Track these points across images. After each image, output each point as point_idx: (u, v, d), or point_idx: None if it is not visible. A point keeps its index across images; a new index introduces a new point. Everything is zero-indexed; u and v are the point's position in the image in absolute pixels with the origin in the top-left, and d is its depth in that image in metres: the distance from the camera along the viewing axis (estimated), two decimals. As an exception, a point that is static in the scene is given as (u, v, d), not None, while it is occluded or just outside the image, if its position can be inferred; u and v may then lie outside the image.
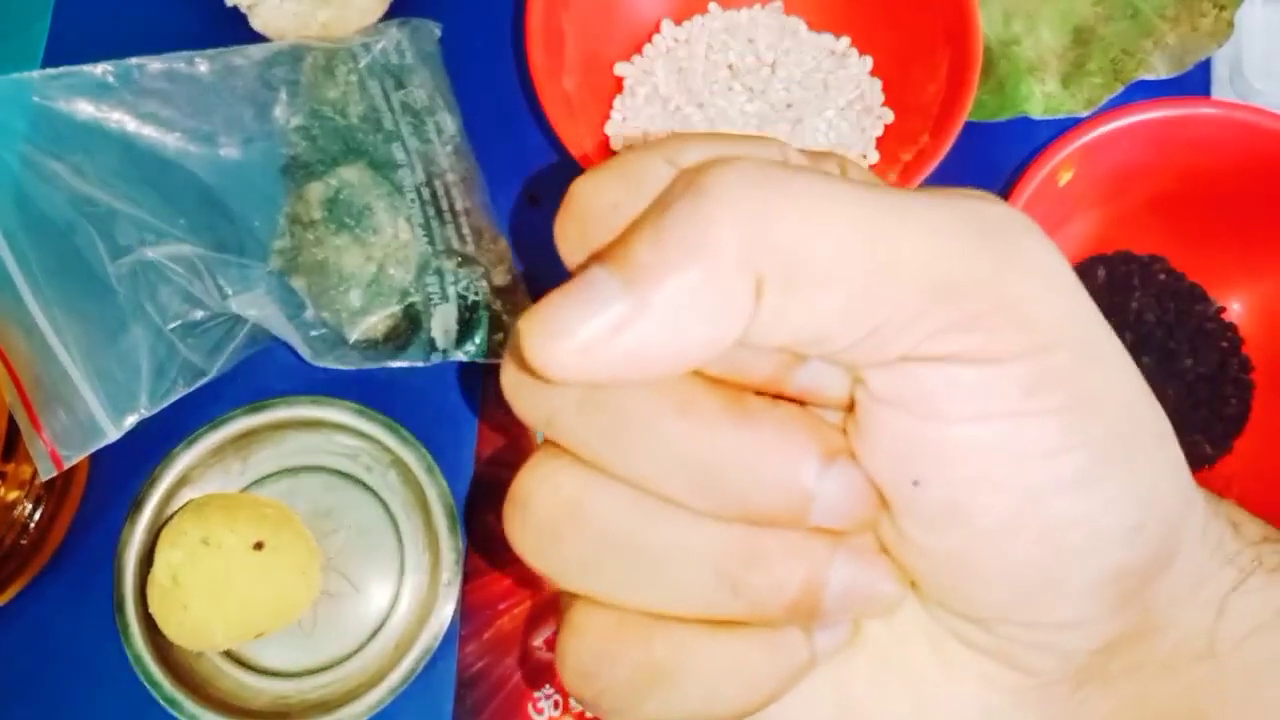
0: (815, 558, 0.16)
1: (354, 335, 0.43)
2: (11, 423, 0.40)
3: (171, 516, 0.41)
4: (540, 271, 0.47)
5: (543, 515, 0.16)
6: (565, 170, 0.48)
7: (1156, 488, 0.16)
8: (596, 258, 0.15)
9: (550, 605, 0.43)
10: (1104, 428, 0.15)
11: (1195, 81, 0.49)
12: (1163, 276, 0.46)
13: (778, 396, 0.17)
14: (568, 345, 0.14)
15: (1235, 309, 0.46)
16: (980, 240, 0.15)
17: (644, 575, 0.16)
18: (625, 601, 0.16)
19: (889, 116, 0.47)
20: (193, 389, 0.42)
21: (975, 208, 0.15)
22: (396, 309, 0.44)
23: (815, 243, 0.14)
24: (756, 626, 0.16)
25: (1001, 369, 0.15)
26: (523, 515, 0.17)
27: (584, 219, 0.16)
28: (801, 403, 0.17)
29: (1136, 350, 0.45)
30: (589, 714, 0.42)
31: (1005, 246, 0.15)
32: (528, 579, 0.43)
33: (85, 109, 0.43)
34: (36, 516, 0.42)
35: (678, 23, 0.48)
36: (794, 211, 0.14)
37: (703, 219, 0.14)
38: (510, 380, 0.17)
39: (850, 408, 0.16)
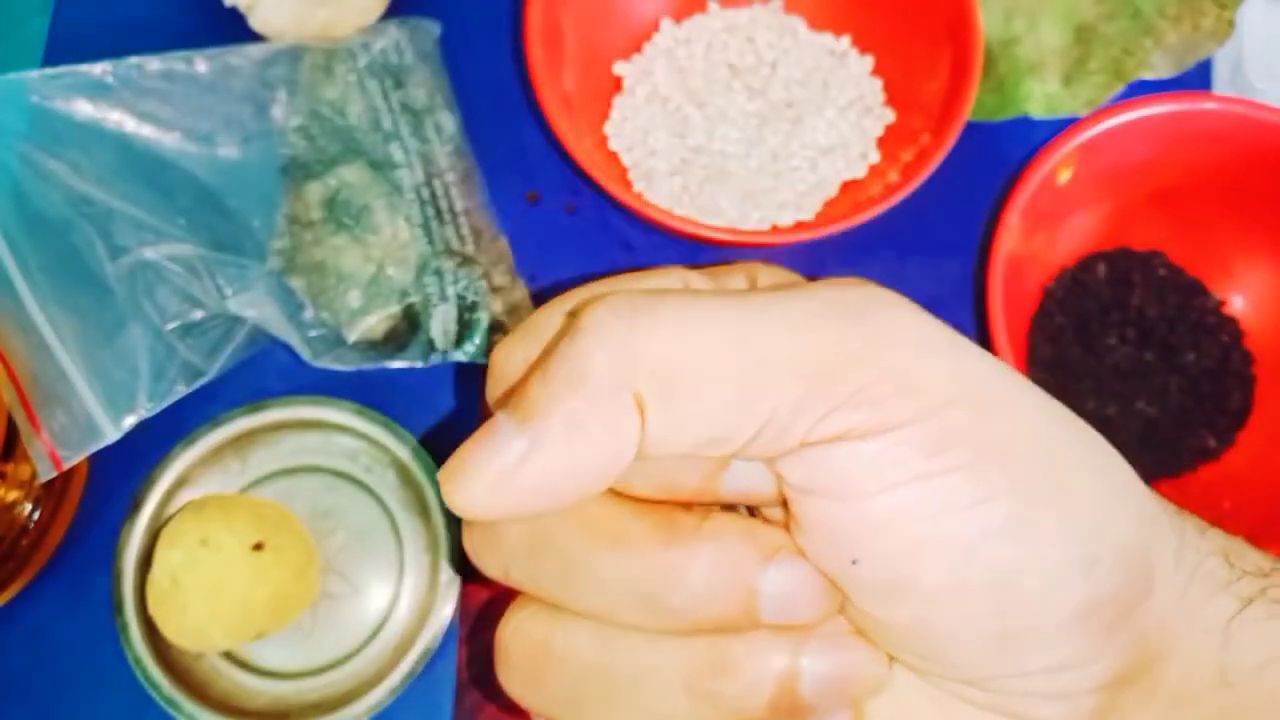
0: (781, 653, 0.17)
1: (353, 336, 0.43)
2: (10, 423, 0.40)
3: (170, 517, 0.41)
4: (540, 271, 0.47)
5: (521, 662, 0.18)
6: (565, 170, 0.48)
7: (1103, 518, 0.16)
8: (497, 405, 0.17)
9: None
10: (1023, 471, 0.16)
11: (1196, 81, 0.49)
12: (1163, 272, 0.46)
13: (717, 505, 0.18)
14: (478, 485, 0.16)
15: (1236, 303, 0.46)
16: (846, 321, 0.16)
17: (622, 702, 0.17)
18: None
19: (889, 116, 0.47)
20: (192, 389, 0.42)
21: (836, 294, 0.16)
22: (395, 309, 0.44)
23: (683, 355, 0.16)
24: None
25: (897, 436, 0.15)
26: (506, 665, 0.18)
27: (502, 380, 0.18)
28: (748, 508, 0.18)
29: (1139, 346, 0.45)
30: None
31: (872, 322, 0.16)
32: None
33: (84, 108, 0.43)
34: (35, 517, 0.42)
35: (677, 22, 0.48)
36: (658, 331, 0.16)
37: (577, 353, 0.16)
38: (469, 544, 0.18)
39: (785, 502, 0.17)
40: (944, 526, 0.15)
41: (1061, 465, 0.16)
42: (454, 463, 0.16)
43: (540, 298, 0.46)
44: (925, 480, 0.15)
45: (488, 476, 0.16)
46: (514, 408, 0.16)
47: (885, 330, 0.16)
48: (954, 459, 0.15)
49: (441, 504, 0.42)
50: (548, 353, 0.17)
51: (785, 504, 0.17)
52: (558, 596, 0.17)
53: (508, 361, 0.18)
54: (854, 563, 0.16)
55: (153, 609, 0.39)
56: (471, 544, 0.18)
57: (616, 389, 0.16)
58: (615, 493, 0.18)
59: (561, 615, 0.18)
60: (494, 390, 0.19)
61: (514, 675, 0.18)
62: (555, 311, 0.18)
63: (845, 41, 0.47)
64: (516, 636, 0.18)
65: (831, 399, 0.15)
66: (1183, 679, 0.17)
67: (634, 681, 0.17)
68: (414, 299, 0.44)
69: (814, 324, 0.16)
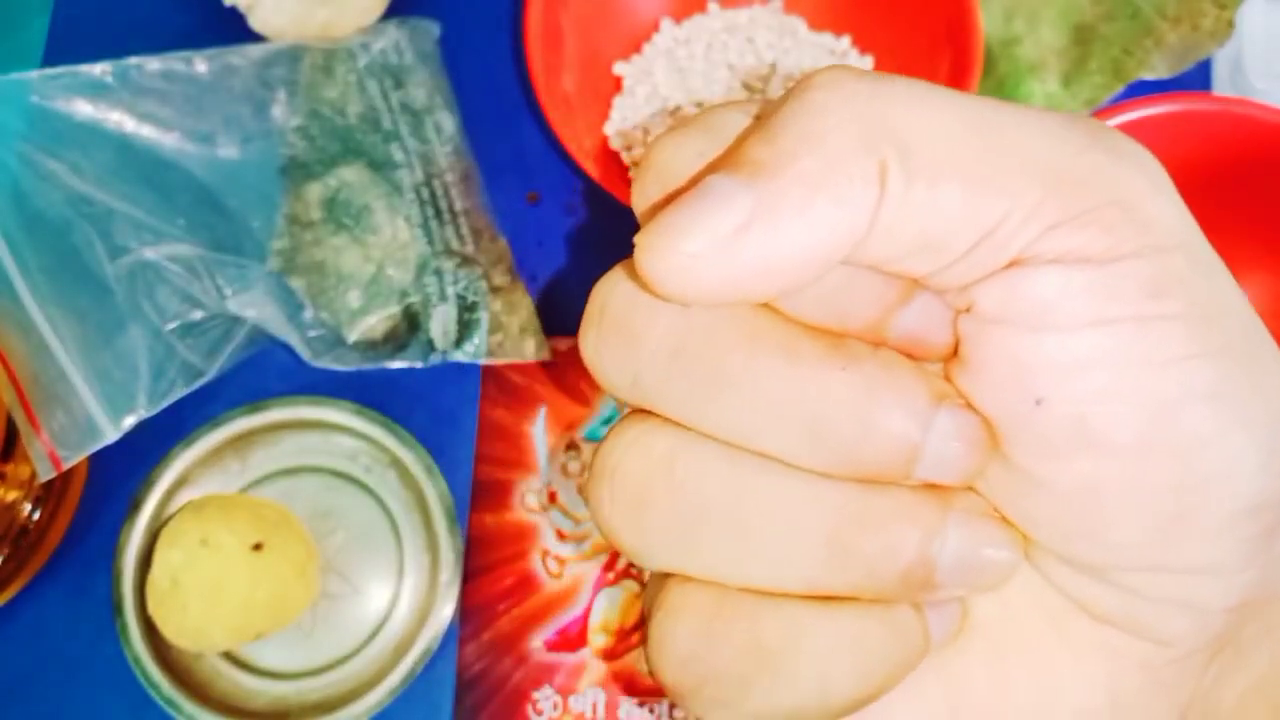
0: (928, 520, 0.15)
1: (352, 336, 0.43)
2: (10, 423, 0.40)
3: (170, 517, 0.41)
4: (540, 271, 0.47)
5: (633, 482, 0.15)
6: (565, 170, 0.48)
7: None
8: (706, 172, 0.14)
9: (548, 606, 0.42)
10: (1228, 339, 0.14)
11: (1195, 81, 0.49)
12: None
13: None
14: (689, 250, 0.14)
15: (1236, 307, 0.46)
16: (1090, 138, 0.14)
17: (746, 543, 0.15)
18: (725, 576, 0.15)
19: (889, 116, 0.46)
20: (191, 389, 0.42)
21: (1076, 114, 0.15)
22: (395, 309, 0.44)
23: (935, 129, 0.14)
24: (867, 601, 0.15)
25: (1119, 268, 0.14)
26: (610, 485, 0.15)
27: (668, 173, 0.15)
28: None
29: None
30: (685, 713, 0.41)
31: (1115, 146, 0.15)
32: (525, 579, 0.43)
33: (83, 109, 0.43)
34: (35, 517, 0.42)
35: (677, 22, 0.48)
36: (906, 100, 0.14)
37: (816, 110, 0.14)
38: (591, 344, 0.16)
39: (952, 354, 0.16)
40: (1147, 376, 0.14)
41: (1254, 342, 0.15)
42: (660, 224, 0.14)
43: (541, 298, 0.46)
44: (1140, 322, 0.14)
45: (702, 240, 0.13)
46: (735, 167, 0.14)
47: (1125, 156, 0.14)
48: (1171, 305, 0.14)
49: (441, 503, 0.42)
50: (762, 119, 0.14)
51: (953, 355, 0.16)
52: (697, 412, 0.15)
53: (676, 153, 0.15)
54: (1038, 403, 0.14)
55: (153, 609, 0.39)
56: (599, 343, 0.16)
57: (862, 150, 0.13)
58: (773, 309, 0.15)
59: (690, 434, 0.15)
60: (650, 191, 0.15)
61: (618, 497, 0.15)
62: (736, 111, 0.15)
63: (845, 41, 0.47)
64: (633, 449, 0.15)
65: (1067, 209, 0.14)
66: None
67: (766, 521, 0.15)
68: (414, 299, 0.44)
69: (1060, 130, 0.14)
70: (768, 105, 0.15)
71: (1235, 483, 0.14)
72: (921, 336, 0.16)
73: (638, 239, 0.14)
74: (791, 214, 0.13)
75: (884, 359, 0.15)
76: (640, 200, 0.16)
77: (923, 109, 0.14)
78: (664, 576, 0.16)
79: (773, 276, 0.14)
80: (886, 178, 0.14)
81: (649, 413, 0.16)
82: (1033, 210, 0.14)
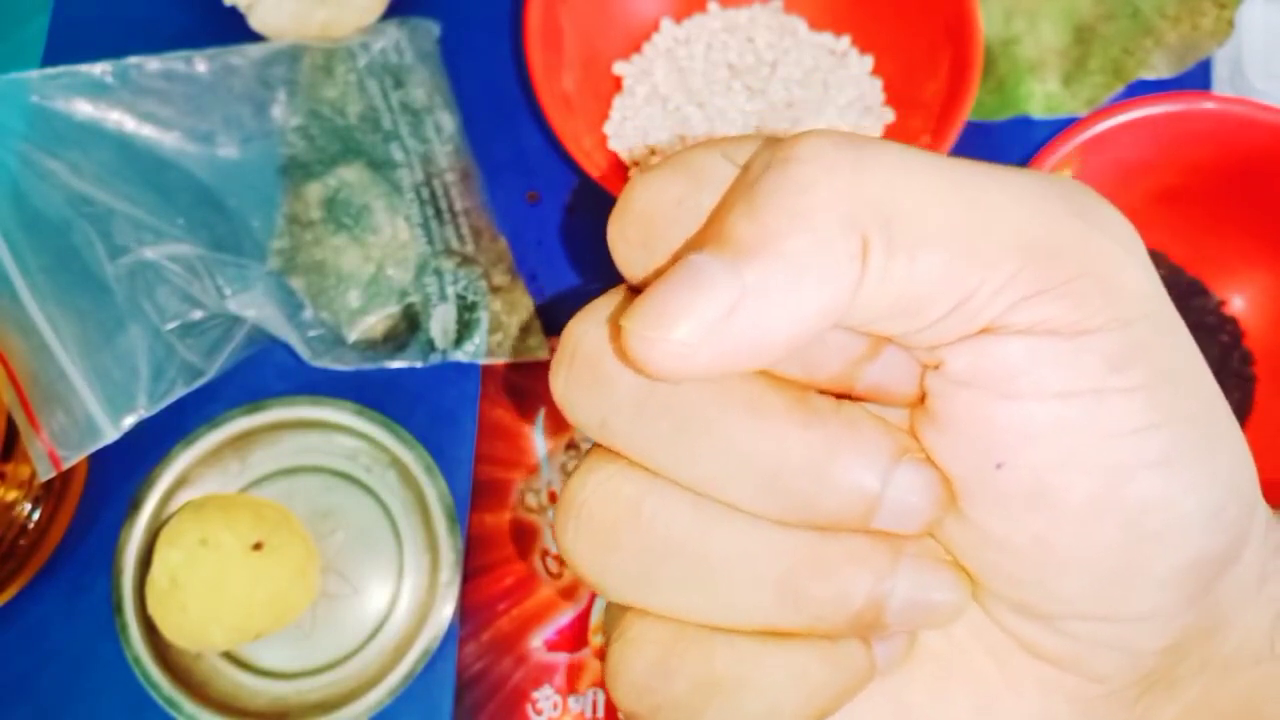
0: (879, 566, 0.16)
1: (352, 335, 0.43)
2: (10, 423, 0.40)
3: (170, 517, 0.41)
4: (540, 271, 0.47)
5: (600, 521, 0.16)
6: (564, 169, 0.48)
7: (1235, 470, 0.15)
8: (689, 247, 0.15)
9: (548, 606, 0.42)
10: (1185, 406, 0.15)
11: (1196, 81, 0.49)
12: (1162, 272, 0.45)
13: (844, 396, 0.16)
14: (679, 336, 0.14)
15: (1236, 303, 0.46)
16: (1067, 205, 0.15)
17: (704, 585, 0.16)
18: (683, 613, 0.16)
19: (889, 116, 0.46)
20: (191, 389, 0.42)
21: (1053, 177, 0.15)
22: (395, 309, 0.44)
23: (915, 200, 0.14)
24: (815, 638, 0.16)
25: (1086, 341, 0.14)
26: (577, 522, 0.16)
27: (646, 218, 0.15)
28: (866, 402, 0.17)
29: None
30: None
31: (1090, 213, 0.15)
32: (525, 579, 0.43)
33: (83, 108, 0.43)
34: (35, 517, 0.42)
35: (677, 21, 0.48)
36: (890, 170, 0.14)
37: (799, 184, 0.14)
38: (561, 384, 0.16)
39: (919, 402, 0.16)
40: (1104, 446, 0.14)
41: (1210, 408, 0.15)
42: (646, 308, 0.14)
43: (541, 298, 0.46)
44: (1102, 395, 0.14)
45: (691, 327, 0.14)
46: (717, 246, 0.14)
47: (1099, 223, 0.15)
48: (1133, 378, 0.14)
49: (441, 503, 0.42)
50: (741, 188, 0.14)
51: (919, 404, 0.16)
52: (662, 459, 0.15)
53: (655, 197, 0.15)
54: (998, 466, 0.15)
55: (152, 609, 0.39)
56: (569, 383, 0.16)
57: (846, 227, 0.14)
58: None
59: (656, 479, 0.16)
60: (630, 228, 0.16)
61: (586, 535, 0.16)
62: (713, 153, 0.15)
63: (845, 41, 0.47)
64: (601, 490, 0.16)
65: (1041, 282, 0.14)
66: (1236, 651, 0.16)
67: (725, 566, 0.15)
68: (414, 299, 0.44)
69: (1039, 198, 0.14)
70: (758, 155, 0.15)
71: (1180, 543, 0.15)
72: (887, 389, 0.16)
73: (624, 323, 0.14)
74: (779, 296, 0.14)
75: (847, 416, 0.15)
76: (616, 241, 0.16)
77: (904, 179, 0.14)
78: (623, 606, 0.17)
79: (759, 353, 0.14)
80: (869, 253, 0.14)
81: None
82: (1008, 281, 0.14)
